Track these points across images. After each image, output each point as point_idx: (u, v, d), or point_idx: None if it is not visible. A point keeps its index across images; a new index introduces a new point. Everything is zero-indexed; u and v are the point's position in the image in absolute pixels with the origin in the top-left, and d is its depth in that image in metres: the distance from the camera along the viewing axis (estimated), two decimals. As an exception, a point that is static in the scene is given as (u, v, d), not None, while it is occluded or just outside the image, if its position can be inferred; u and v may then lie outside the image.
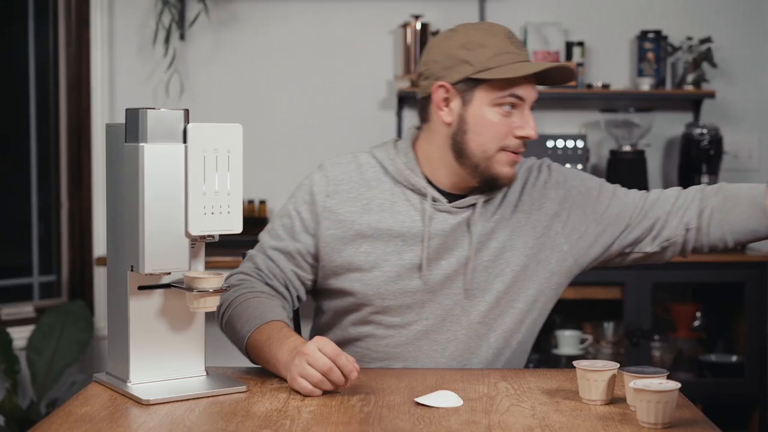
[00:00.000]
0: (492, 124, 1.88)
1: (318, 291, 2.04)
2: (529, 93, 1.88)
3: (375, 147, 2.03)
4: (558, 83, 1.94)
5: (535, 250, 1.97)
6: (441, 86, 1.90)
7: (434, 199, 1.93)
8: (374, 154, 2.00)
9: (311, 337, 1.87)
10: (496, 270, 1.95)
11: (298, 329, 2.18)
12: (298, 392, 1.70)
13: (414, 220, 1.93)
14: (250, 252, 2.02)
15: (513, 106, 1.88)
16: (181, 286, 1.71)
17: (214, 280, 1.69)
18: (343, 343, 1.98)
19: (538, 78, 1.90)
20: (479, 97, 1.88)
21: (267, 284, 1.97)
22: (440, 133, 1.92)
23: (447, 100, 1.90)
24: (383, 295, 1.93)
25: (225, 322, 1.91)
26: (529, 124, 1.88)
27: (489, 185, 1.93)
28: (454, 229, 1.93)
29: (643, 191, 2.02)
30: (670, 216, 1.97)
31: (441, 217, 1.93)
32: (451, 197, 1.96)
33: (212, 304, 1.70)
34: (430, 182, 1.96)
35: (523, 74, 1.85)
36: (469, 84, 1.88)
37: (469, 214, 1.94)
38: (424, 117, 1.96)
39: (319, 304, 2.06)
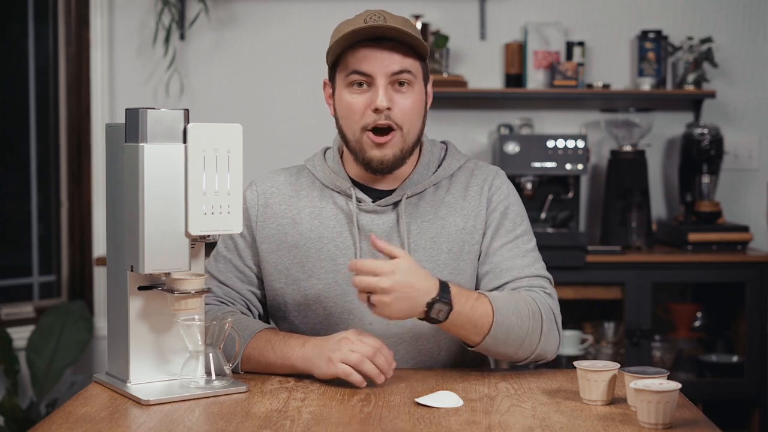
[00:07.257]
0: (348, 104, 1.88)
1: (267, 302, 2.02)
2: (373, 67, 1.84)
3: (308, 158, 2.04)
4: (417, 48, 1.85)
5: (459, 245, 1.93)
6: (324, 83, 1.96)
7: (358, 200, 1.93)
8: (306, 164, 2.02)
9: None
10: (430, 268, 1.90)
11: None
12: (320, 381, 1.70)
13: (342, 224, 1.93)
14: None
15: (366, 84, 1.86)
16: (163, 288, 1.70)
17: (195, 282, 1.69)
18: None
19: (395, 45, 1.83)
20: (338, 82, 1.91)
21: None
22: (337, 127, 1.95)
23: (331, 95, 1.95)
24: (324, 303, 1.92)
25: None
26: (378, 96, 1.84)
27: (371, 171, 1.91)
28: (384, 229, 1.92)
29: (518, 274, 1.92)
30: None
31: (368, 218, 1.92)
32: (384, 194, 1.94)
33: (194, 305, 1.69)
34: (357, 183, 1.95)
35: (338, 38, 1.83)
36: (332, 72, 1.92)
37: (397, 213, 1.92)
38: None
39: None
